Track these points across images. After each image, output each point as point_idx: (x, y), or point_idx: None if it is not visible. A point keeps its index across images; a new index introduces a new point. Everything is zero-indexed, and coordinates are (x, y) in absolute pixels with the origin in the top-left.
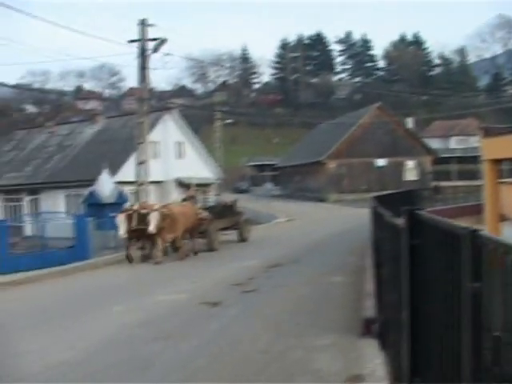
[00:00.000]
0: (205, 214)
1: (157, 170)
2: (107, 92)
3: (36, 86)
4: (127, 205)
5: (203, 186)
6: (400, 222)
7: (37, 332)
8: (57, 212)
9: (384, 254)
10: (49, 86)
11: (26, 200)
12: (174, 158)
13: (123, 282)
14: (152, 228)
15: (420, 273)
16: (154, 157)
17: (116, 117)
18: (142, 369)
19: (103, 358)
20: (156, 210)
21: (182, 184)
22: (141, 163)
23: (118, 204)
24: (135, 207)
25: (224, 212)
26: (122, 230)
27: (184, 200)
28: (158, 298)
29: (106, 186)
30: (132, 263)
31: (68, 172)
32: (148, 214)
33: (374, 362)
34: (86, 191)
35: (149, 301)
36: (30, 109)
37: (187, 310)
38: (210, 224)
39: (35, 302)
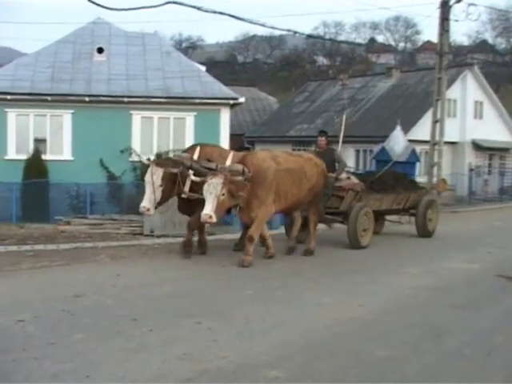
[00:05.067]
0: (352, 180)
1: (452, 130)
2: (401, 45)
3: (328, 37)
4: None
5: (501, 151)
6: None
7: (325, 285)
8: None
9: None
10: (341, 37)
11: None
12: (471, 118)
13: (412, 244)
14: (207, 213)
15: None
16: (450, 116)
17: (411, 71)
18: (435, 335)
19: (394, 319)
20: (222, 170)
21: (479, 147)
22: (436, 122)
23: (410, 163)
24: (195, 155)
25: (390, 184)
26: (147, 201)
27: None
28: (450, 265)
29: (398, 143)
30: (189, 256)
31: (359, 126)
32: (212, 170)
33: None
34: (376, 147)
35: (441, 267)
36: (322, 60)
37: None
38: (355, 199)
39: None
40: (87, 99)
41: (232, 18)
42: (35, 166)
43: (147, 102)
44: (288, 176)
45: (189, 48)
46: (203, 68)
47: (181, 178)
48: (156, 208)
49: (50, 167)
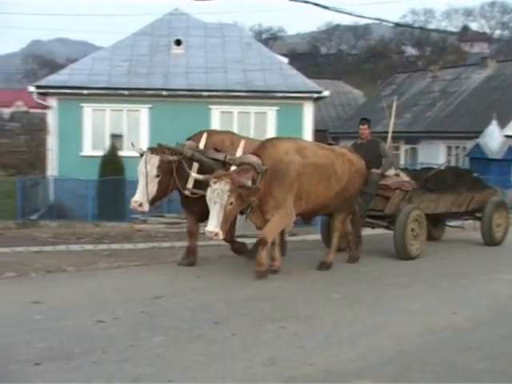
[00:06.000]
0: (401, 178)
1: None
2: (497, 33)
3: (418, 25)
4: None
5: None
6: None
7: (414, 291)
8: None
9: None
10: (432, 26)
11: (403, 149)
12: None
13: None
14: (212, 230)
15: None
16: None
17: (509, 61)
18: None
19: (490, 329)
20: (230, 161)
21: None
22: None
23: (507, 161)
24: (200, 143)
25: (449, 182)
26: (140, 194)
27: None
28: None
29: (493, 139)
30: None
31: (451, 121)
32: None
33: None
34: (470, 144)
35: None
36: (410, 51)
37: None
38: (404, 200)
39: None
40: (165, 93)
41: (316, 6)
42: (111, 163)
43: (227, 95)
44: (314, 172)
45: (269, 39)
46: (285, 60)
47: (177, 171)
48: (151, 204)
49: (127, 164)
